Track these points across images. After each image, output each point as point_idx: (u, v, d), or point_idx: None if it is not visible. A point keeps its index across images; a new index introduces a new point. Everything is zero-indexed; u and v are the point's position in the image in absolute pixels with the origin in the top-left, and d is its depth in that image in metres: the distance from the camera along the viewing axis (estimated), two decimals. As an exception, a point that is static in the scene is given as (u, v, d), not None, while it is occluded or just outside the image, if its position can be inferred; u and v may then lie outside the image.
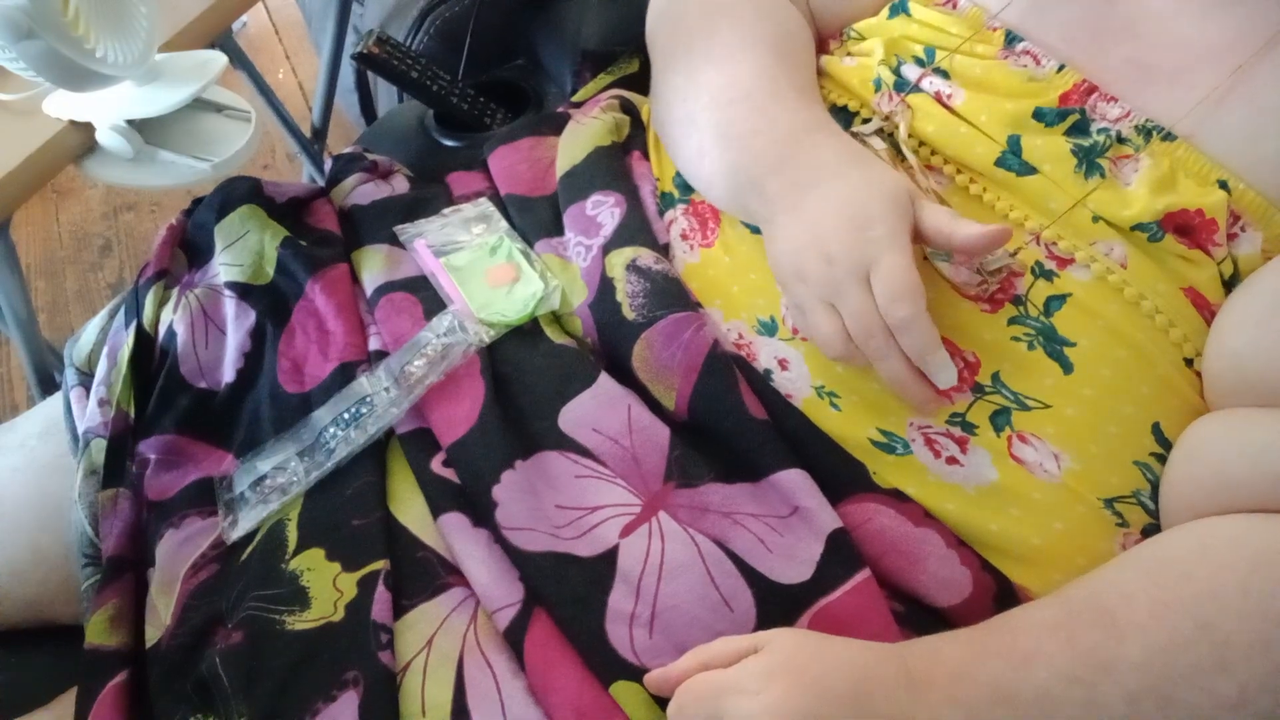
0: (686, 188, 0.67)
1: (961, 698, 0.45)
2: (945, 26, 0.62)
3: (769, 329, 0.59)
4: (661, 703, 0.49)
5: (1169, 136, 0.55)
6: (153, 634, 0.54)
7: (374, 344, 0.63)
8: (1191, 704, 0.43)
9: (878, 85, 0.62)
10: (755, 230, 0.62)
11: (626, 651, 0.50)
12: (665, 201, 0.68)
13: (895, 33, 0.64)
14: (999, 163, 0.57)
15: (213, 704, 0.49)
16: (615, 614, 0.51)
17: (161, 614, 0.55)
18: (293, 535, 0.54)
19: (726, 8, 0.68)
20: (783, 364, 0.58)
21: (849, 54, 0.66)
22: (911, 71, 0.62)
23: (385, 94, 1.29)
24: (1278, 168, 0.53)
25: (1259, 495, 0.47)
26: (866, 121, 0.62)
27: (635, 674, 0.49)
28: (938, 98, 0.60)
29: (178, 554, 0.56)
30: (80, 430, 0.63)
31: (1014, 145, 0.57)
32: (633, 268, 0.62)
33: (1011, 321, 0.55)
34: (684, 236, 0.65)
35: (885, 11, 0.66)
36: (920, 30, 0.63)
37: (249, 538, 0.56)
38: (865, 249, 0.52)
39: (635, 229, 0.64)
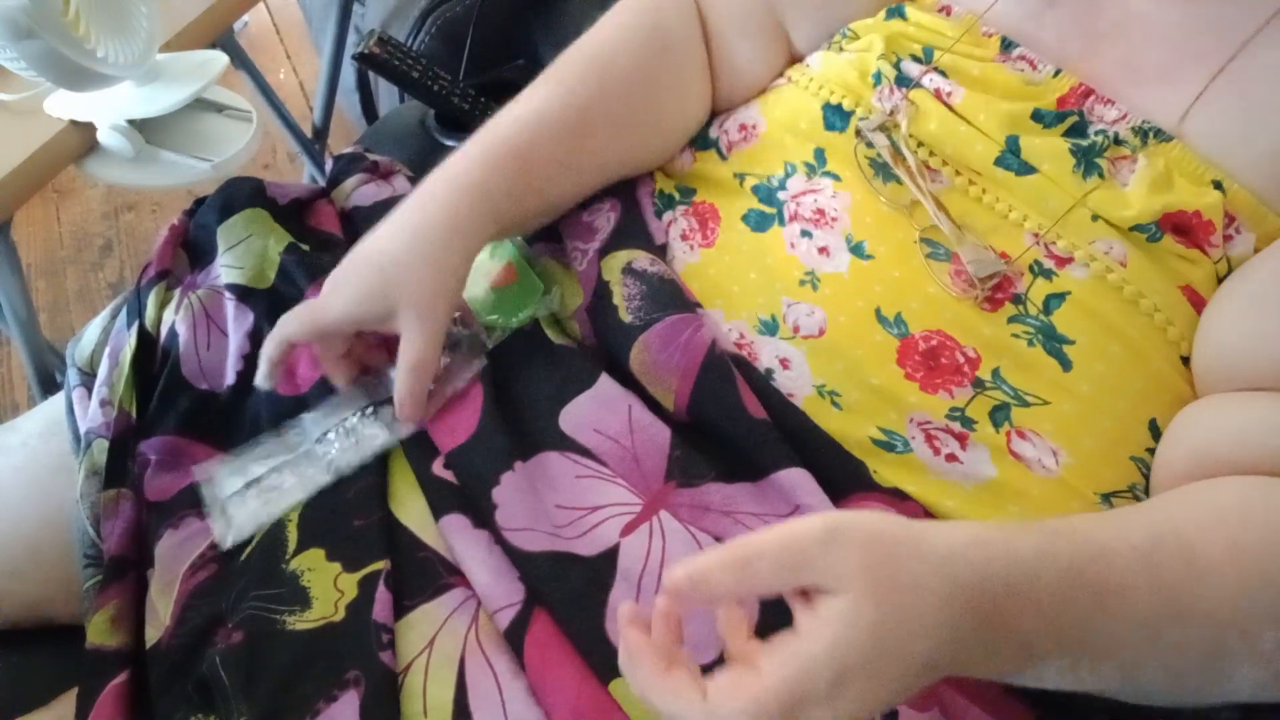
0: (686, 189, 0.67)
1: (1040, 650, 0.42)
2: (941, 30, 0.63)
3: (770, 328, 0.59)
4: None
5: (1165, 137, 0.56)
6: (152, 634, 0.54)
7: None
8: (1236, 652, 0.43)
9: (877, 79, 0.62)
10: (756, 230, 0.62)
11: None
12: (664, 202, 0.68)
13: (893, 31, 0.64)
14: (998, 162, 0.57)
15: (214, 704, 0.49)
16: (615, 612, 0.51)
17: (161, 614, 0.55)
18: (293, 535, 0.54)
19: (601, 38, 0.68)
20: (784, 363, 0.58)
21: (843, 49, 0.66)
22: (911, 68, 0.62)
23: (386, 94, 1.30)
24: (1269, 166, 0.54)
25: (1242, 470, 0.48)
26: (865, 119, 0.62)
27: None
28: (937, 95, 0.60)
29: (177, 554, 0.56)
30: (82, 430, 0.63)
31: (1013, 145, 0.57)
32: (629, 270, 0.62)
33: (1011, 320, 0.55)
34: (684, 237, 0.65)
35: (881, 14, 0.66)
36: (918, 31, 0.64)
37: (248, 538, 0.56)
38: None
39: (631, 232, 0.64)
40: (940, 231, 0.57)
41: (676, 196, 0.67)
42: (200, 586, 0.55)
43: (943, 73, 0.61)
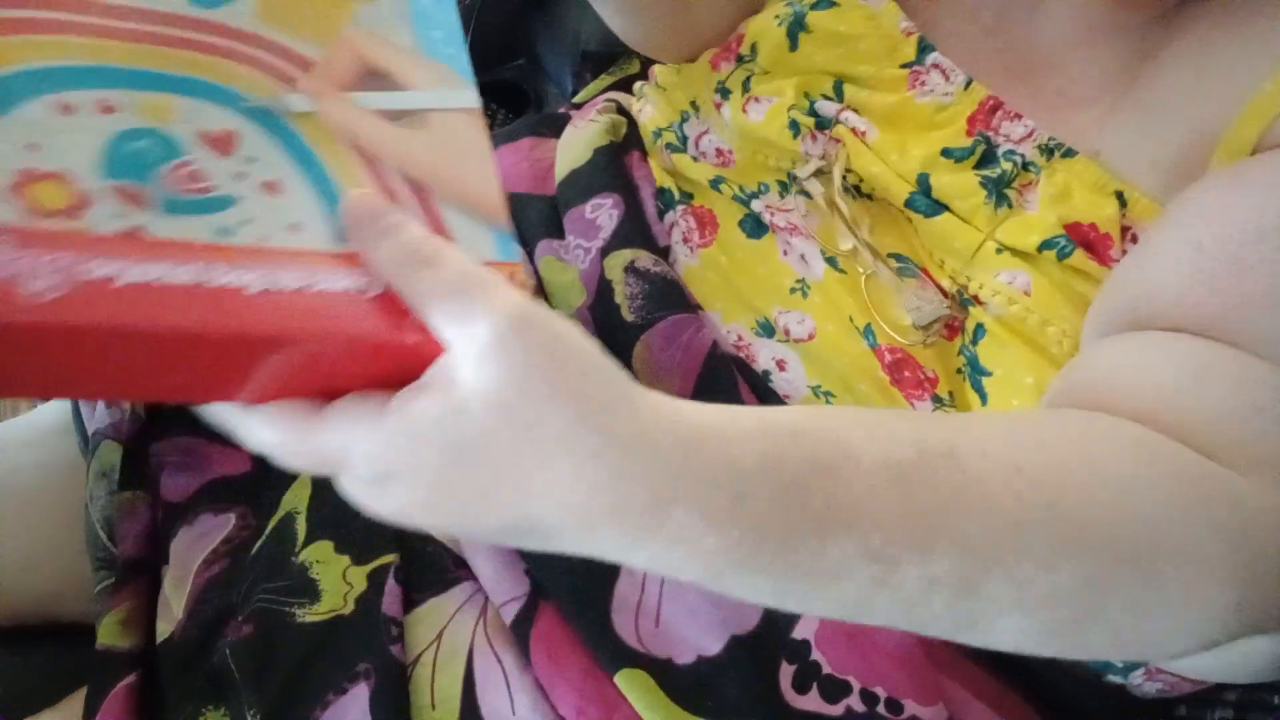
0: (685, 192, 0.68)
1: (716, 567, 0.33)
2: (855, 40, 0.60)
3: (767, 330, 0.60)
4: (667, 690, 0.49)
5: (1069, 153, 0.55)
6: (165, 628, 0.55)
7: None
8: (994, 598, 0.35)
9: (795, 129, 0.60)
10: (751, 236, 0.63)
11: (631, 639, 0.51)
12: (665, 202, 0.68)
13: (801, 65, 0.62)
14: (908, 204, 0.57)
15: (225, 696, 0.50)
16: (621, 603, 0.51)
17: (174, 609, 0.55)
18: (302, 527, 0.55)
19: None
20: (780, 365, 0.59)
21: (755, 98, 0.63)
22: (826, 108, 0.60)
23: (385, 94, 1.30)
24: (1169, 171, 0.52)
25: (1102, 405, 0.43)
26: (799, 169, 0.60)
27: (640, 661, 0.50)
28: (854, 133, 0.59)
29: (191, 550, 0.57)
30: (90, 431, 0.64)
31: (923, 185, 0.56)
32: (631, 270, 0.63)
33: (960, 350, 0.56)
34: (684, 239, 0.66)
35: (779, 27, 0.62)
36: (825, 55, 0.61)
37: (259, 530, 0.56)
38: None
39: (634, 231, 0.65)
40: (877, 279, 0.57)
41: (677, 195, 0.68)
42: (212, 580, 0.55)
43: (855, 110, 0.60)
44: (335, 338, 0.31)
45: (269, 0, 0.34)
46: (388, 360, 0.32)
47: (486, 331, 0.30)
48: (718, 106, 0.65)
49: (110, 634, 0.55)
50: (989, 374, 0.54)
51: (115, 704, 0.52)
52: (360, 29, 0.35)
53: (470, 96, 0.35)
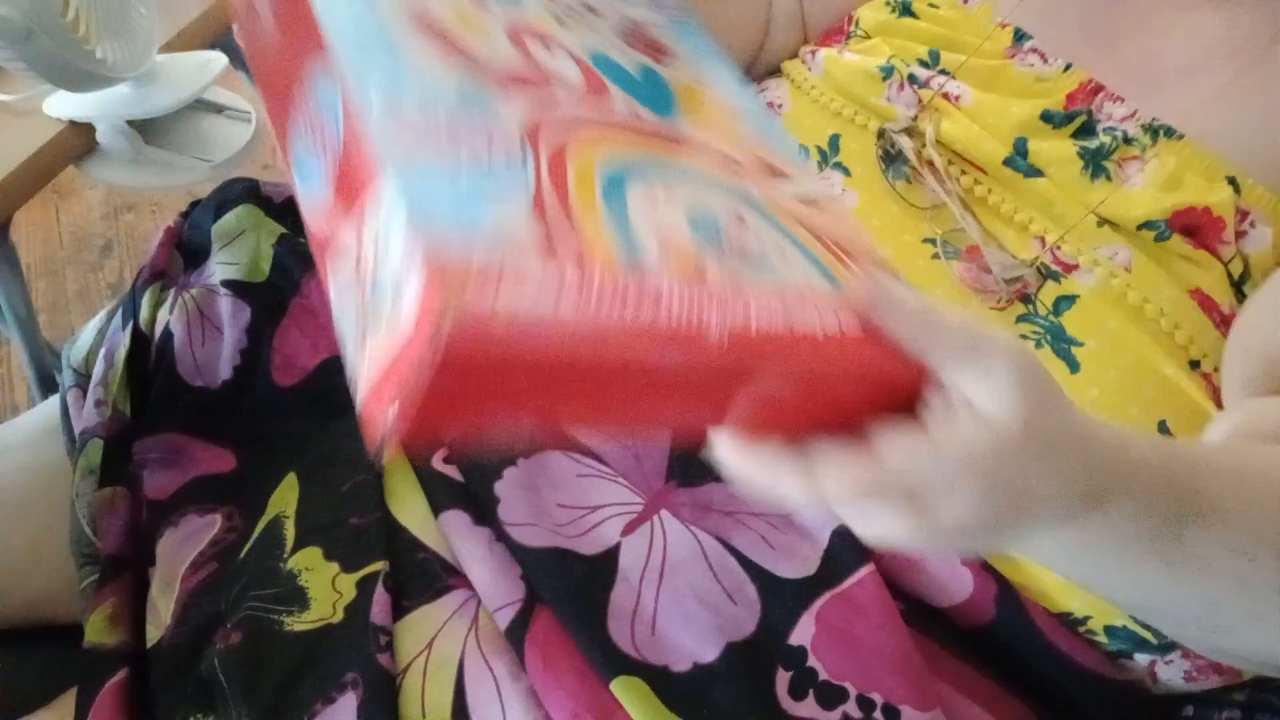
0: None
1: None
2: (953, 24, 0.62)
3: None
4: (663, 697, 0.49)
5: (1176, 135, 0.55)
6: (154, 633, 0.54)
7: None
8: None
9: (887, 73, 0.62)
10: None
11: (628, 646, 0.50)
12: None
13: (901, 33, 0.64)
14: (1007, 163, 0.57)
15: (213, 704, 0.49)
16: (617, 610, 0.51)
17: (162, 613, 0.55)
18: (290, 532, 0.55)
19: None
20: None
21: (850, 51, 0.66)
22: (919, 73, 0.62)
23: (385, 94, 1.29)
24: None
25: None
26: (891, 123, 0.61)
27: (636, 669, 0.49)
28: (946, 98, 0.60)
29: (177, 552, 0.56)
30: (77, 431, 0.63)
31: (1020, 148, 0.57)
32: None
33: (1020, 319, 0.55)
34: None
35: (888, 9, 0.66)
36: (928, 28, 0.63)
37: (247, 535, 0.56)
38: None
39: None
40: (964, 234, 0.57)
41: None
42: (200, 585, 0.55)
43: (949, 74, 0.61)
44: (849, 363, 0.36)
45: (695, 116, 0.42)
46: (871, 387, 0.37)
47: (1006, 374, 0.35)
48: (806, 63, 0.67)
49: (97, 631, 0.55)
50: (1080, 344, 0.54)
51: (105, 703, 0.52)
52: (748, 138, 0.43)
53: (829, 184, 0.41)
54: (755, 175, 0.41)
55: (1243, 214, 0.54)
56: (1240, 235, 0.54)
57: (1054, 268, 0.55)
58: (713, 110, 0.43)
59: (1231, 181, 0.54)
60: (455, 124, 0.33)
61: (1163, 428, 0.54)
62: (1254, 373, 0.52)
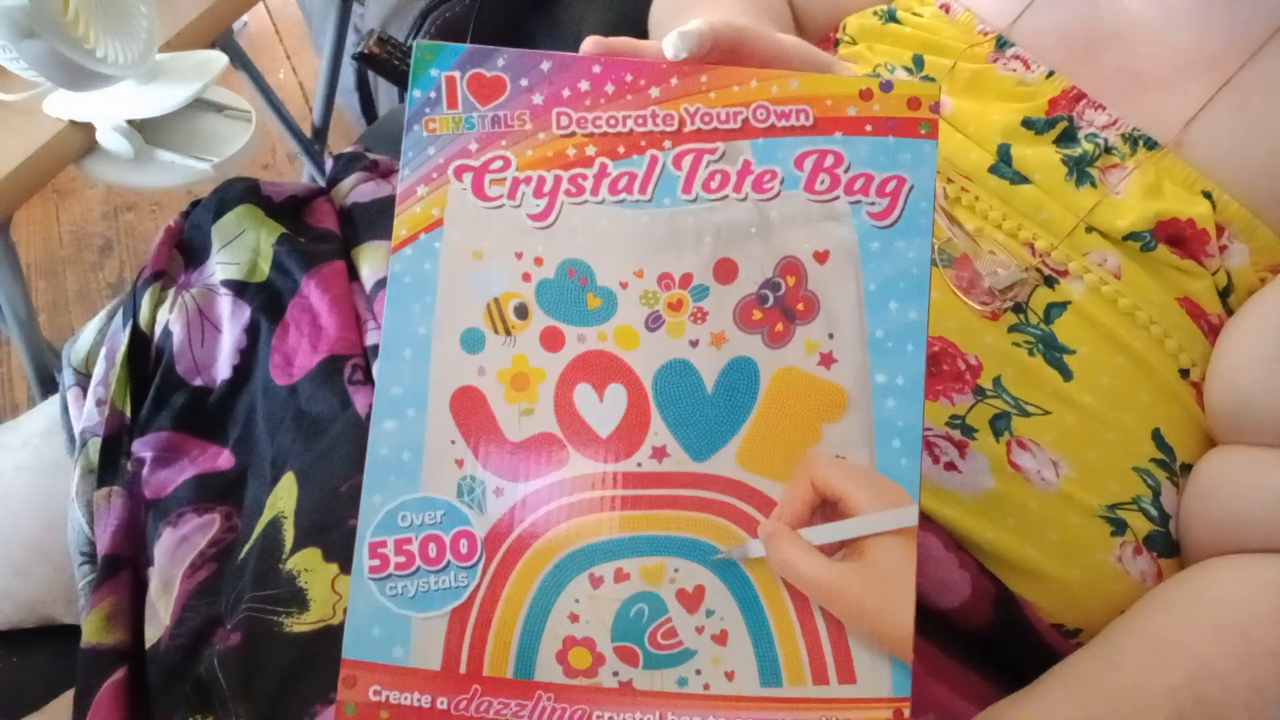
0: None
1: None
2: (936, 31, 0.62)
3: None
4: None
5: (1153, 145, 0.56)
6: (152, 634, 0.54)
7: (371, 339, 0.62)
8: None
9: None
10: None
11: None
12: None
13: (887, 39, 0.64)
14: (993, 170, 0.57)
15: (212, 705, 0.49)
16: None
17: (161, 614, 0.55)
18: (289, 533, 0.54)
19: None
20: None
21: (837, 58, 0.66)
22: (901, 77, 0.62)
23: (386, 94, 1.29)
24: (1262, 180, 0.53)
25: (1273, 538, 0.48)
26: None
27: None
28: None
29: (176, 553, 0.56)
30: (77, 431, 0.63)
31: (1004, 154, 0.57)
32: None
33: (1012, 329, 0.55)
34: None
35: (875, 17, 0.66)
36: (913, 34, 0.63)
37: (246, 535, 0.56)
38: None
39: None
40: (954, 244, 0.57)
41: None
42: (199, 586, 0.55)
43: (933, 80, 0.61)
44: None
45: (748, 446, 0.39)
46: None
47: None
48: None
49: (95, 631, 0.55)
50: (1072, 351, 0.54)
51: (103, 703, 0.52)
52: (824, 452, 0.39)
53: (910, 514, 0.39)
54: (781, 521, 0.39)
55: (1220, 229, 0.54)
56: (1222, 249, 0.54)
57: (1046, 273, 0.55)
58: (811, 396, 0.40)
59: (1208, 196, 0.54)
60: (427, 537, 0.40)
61: (1157, 435, 0.54)
62: (1230, 406, 0.53)
